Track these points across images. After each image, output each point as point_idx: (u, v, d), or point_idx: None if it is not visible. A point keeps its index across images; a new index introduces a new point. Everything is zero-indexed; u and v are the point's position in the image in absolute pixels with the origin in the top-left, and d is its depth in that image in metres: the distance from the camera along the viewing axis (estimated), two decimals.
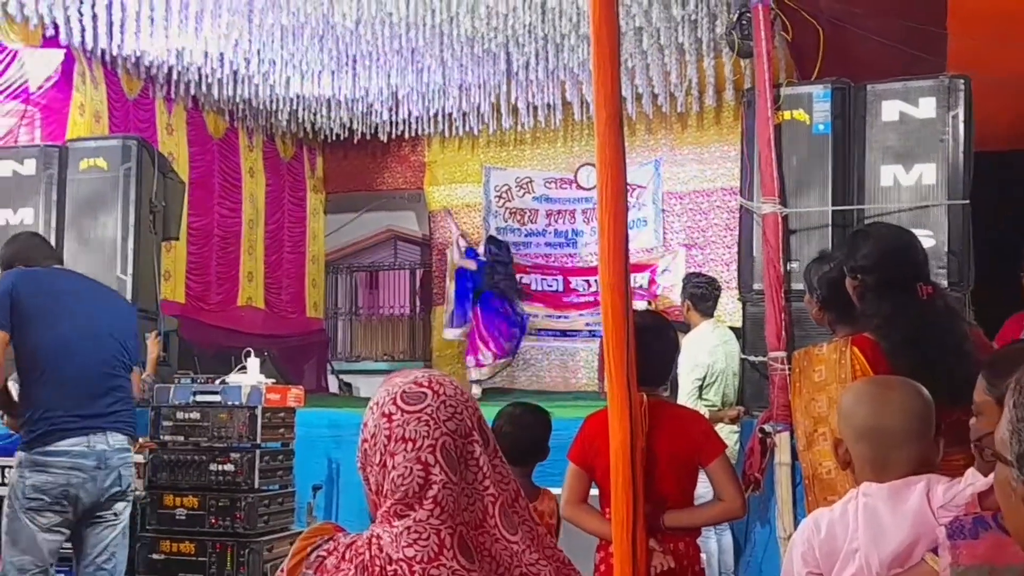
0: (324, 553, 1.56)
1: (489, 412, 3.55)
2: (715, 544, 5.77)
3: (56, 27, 7.79)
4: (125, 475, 4.07)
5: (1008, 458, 1.33)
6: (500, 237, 10.85)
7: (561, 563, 1.61)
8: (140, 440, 5.04)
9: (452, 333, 10.31)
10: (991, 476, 1.84)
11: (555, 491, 3.35)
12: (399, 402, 1.57)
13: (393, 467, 1.53)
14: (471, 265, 10.15)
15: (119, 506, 4.09)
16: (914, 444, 1.99)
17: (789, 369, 4.39)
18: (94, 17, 7.64)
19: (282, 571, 1.57)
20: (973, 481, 1.89)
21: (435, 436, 1.54)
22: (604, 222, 2.65)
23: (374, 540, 1.53)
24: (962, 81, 6.06)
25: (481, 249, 10.35)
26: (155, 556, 4.64)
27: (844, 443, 2.07)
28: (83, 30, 7.76)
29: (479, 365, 9.56)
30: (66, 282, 4.32)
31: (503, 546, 1.54)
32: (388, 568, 1.50)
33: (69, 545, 4.16)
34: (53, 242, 7.46)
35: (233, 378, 4.85)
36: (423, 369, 1.65)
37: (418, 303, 12.55)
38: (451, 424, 1.56)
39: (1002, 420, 1.35)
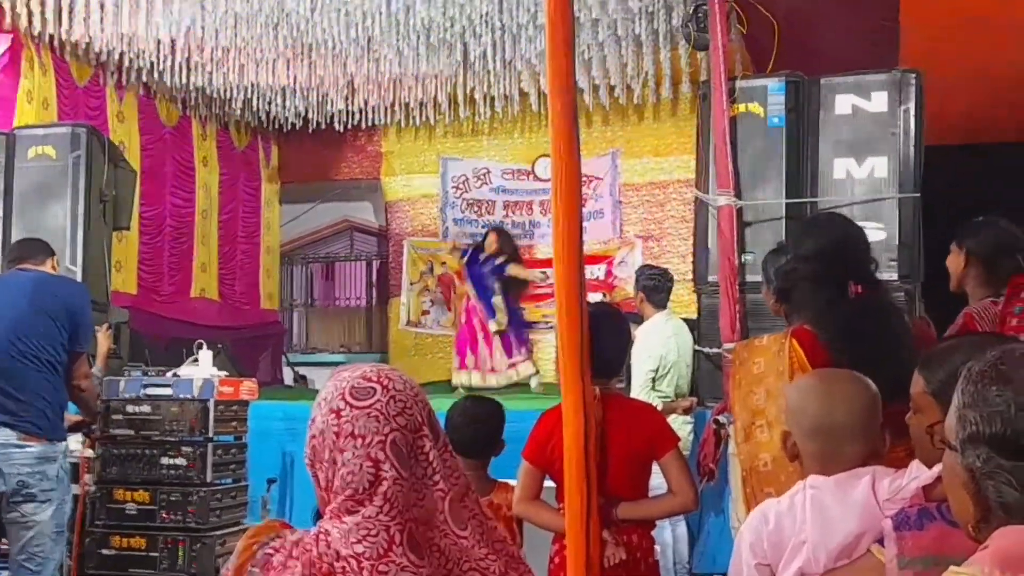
0: (271, 551, 1.55)
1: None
2: (670, 534, 5.80)
3: (2, 11, 7.63)
4: (13, 473, 3.87)
5: (953, 444, 1.35)
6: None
7: (511, 557, 1.60)
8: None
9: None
10: (935, 468, 1.86)
11: (513, 483, 3.35)
12: (348, 398, 1.55)
13: (343, 464, 1.52)
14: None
15: (25, 508, 3.91)
16: (863, 438, 2.01)
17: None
18: (42, 2, 7.50)
19: (228, 570, 1.55)
20: (918, 474, 1.92)
21: (385, 432, 1.53)
22: (559, 215, 2.64)
23: (322, 536, 1.52)
24: (913, 76, 6.13)
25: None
26: (105, 551, 4.57)
27: (792, 437, 2.09)
28: (31, 15, 7.61)
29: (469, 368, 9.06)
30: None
31: (452, 541, 1.53)
32: (336, 564, 1.49)
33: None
34: (0, 232, 7.38)
35: (185, 371, 4.78)
36: (371, 363, 1.64)
37: (375, 294, 12.48)
38: (401, 419, 1.54)
39: (950, 408, 1.37)
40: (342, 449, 1.52)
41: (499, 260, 9.09)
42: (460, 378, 9.06)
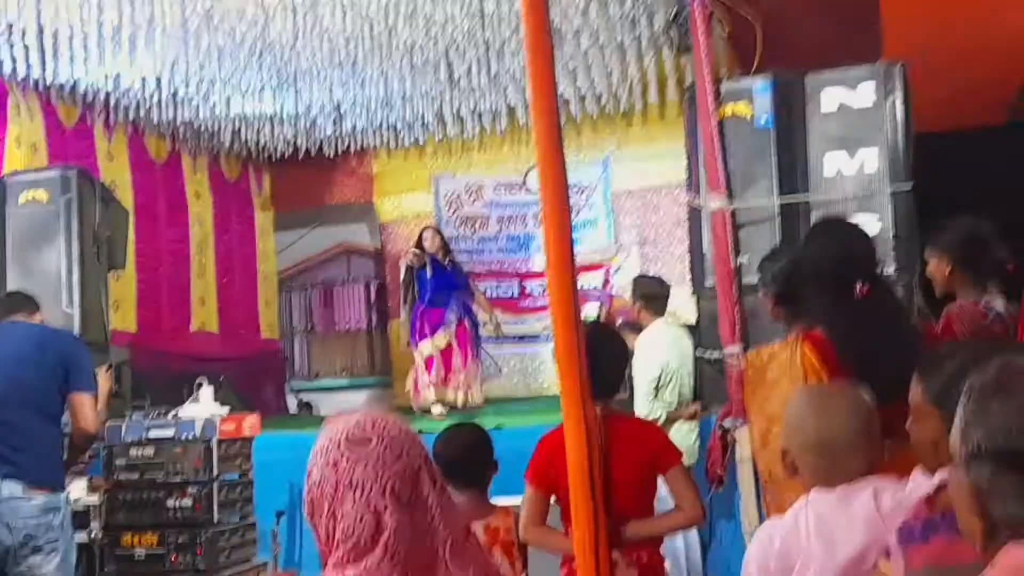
0: None
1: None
2: (681, 542, 5.78)
3: None
4: (17, 527, 3.84)
5: (958, 460, 1.34)
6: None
7: None
8: (93, 479, 4.94)
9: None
10: (936, 477, 1.85)
11: (511, 506, 3.33)
12: (343, 448, 1.53)
13: (343, 515, 1.50)
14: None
15: (33, 560, 3.87)
16: (861, 451, 2.00)
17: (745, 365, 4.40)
18: (25, 47, 7.49)
19: None
20: (919, 484, 1.90)
21: (384, 480, 1.52)
22: (549, 237, 2.64)
23: None
24: (899, 67, 6.12)
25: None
26: None
27: (791, 453, 2.08)
28: (14, 60, 7.61)
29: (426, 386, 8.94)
30: None
31: None
32: None
33: None
34: None
35: (186, 411, 4.76)
36: (364, 411, 1.62)
37: (374, 316, 12.45)
38: (398, 466, 1.53)
39: (953, 424, 1.36)
40: (342, 500, 1.51)
41: (447, 260, 9.18)
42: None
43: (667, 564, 3.29)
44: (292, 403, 12.00)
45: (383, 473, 1.51)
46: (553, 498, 3.13)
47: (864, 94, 6.24)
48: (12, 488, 3.83)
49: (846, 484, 1.95)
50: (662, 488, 3.17)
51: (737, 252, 6.38)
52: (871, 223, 6.18)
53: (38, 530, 3.85)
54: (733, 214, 6.37)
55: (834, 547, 1.91)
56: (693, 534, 6.01)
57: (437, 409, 8.70)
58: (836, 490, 1.96)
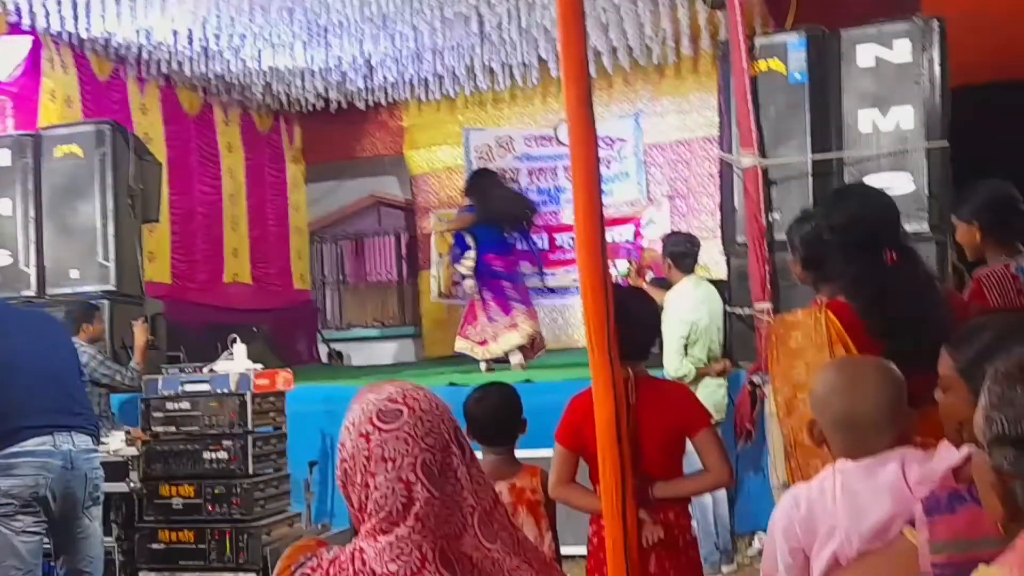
0: (308, 571, 1.58)
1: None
2: (709, 497, 5.83)
3: (19, 12, 7.68)
4: (91, 478, 4.00)
5: (982, 443, 1.36)
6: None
7: (543, 564, 1.63)
8: (131, 431, 5.06)
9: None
10: (963, 449, 1.86)
11: (538, 466, 3.38)
12: (376, 421, 1.57)
13: (375, 487, 1.54)
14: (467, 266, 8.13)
15: (94, 511, 4.04)
16: (888, 426, 2.01)
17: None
18: (58, 2, 7.53)
19: None
20: (946, 456, 1.92)
21: (415, 453, 1.55)
22: (579, 204, 2.65)
23: (357, 555, 1.55)
24: (936, 22, 6.02)
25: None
26: (155, 546, 4.67)
27: (817, 424, 2.10)
28: (48, 14, 7.66)
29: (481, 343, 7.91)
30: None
31: (483, 555, 1.56)
32: None
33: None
34: (33, 231, 7.48)
35: (220, 366, 4.84)
36: (396, 382, 1.65)
37: (405, 268, 12.53)
38: (429, 440, 1.56)
39: (978, 407, 1.37)
40: (374, 473, 1.54)
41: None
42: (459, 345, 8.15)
43: (694, 523, 3.33)
44: (323, 353, 12.14)
45: (414, 447, 1.55)
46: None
47: (900, 50, 6.14)
48: (85, 440, 3.97)
49: (872, 456, 1.97)
50: (691, 446, 3.21)
51: (769, 209, 6.35)
52: (905, 182, 6.13)
53: (99, 480, 4.04)
54: (765, 171, 6.33)
55: (860, 515, 1.94)
56: (721, 490, 6.06)
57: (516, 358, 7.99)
58: (864, 461, 1.98)
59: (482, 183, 8.30)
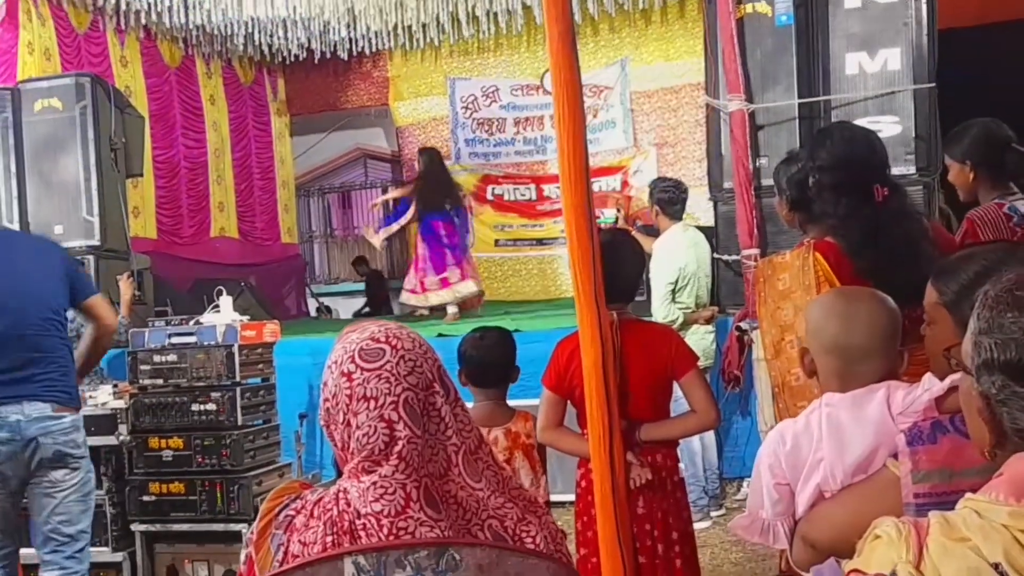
0: (292, 512, 1.57)
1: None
2: (698, 443, 5.86)
3: None
4: (47, 443, 3.74)
5: (969, 368, 1.35)
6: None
7: (528, 502, 1.62)
8: (119, 385, 5.04)
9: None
10: (947, 380, 1.86)
11: (530, 411, 3.38)
12: (358, 360, 1.55)
13: (357, 426, 1.53)
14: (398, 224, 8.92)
15: (55, 475, 3.77)
16: (880, 358, 2.01)
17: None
18: None
19: (252, 533, 1.58)
20: (930, 386, 1.91)
21: (397, 392, 1.54)
22: (563, 144, 2.62)
23: (341, 495, 1.54)
24: None
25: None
26: (146, 498, 4.67)
27: (810, 353, 2.09)
28: None
29: (413, 292, 8.58)
30: None
31: (468, 493, 1.55)
32: (357, 522, 1.51)
33: None
34: (15, 187, 7.40)
35: (207, 318, 4.82)
36: (378, 321, 1.64)
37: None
38: (412, 379, 1.55)
39: (966, 333, 1.36)
40: (356, 412, 1.53)
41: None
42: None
43: (682, 465, 3.34)
44: (312, 306, 12.13)
45: (396, 386, 1.53)
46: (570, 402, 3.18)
47: None
48: (41, 408, 3.74)
49: (861, 387, 1.97)
50: (679, 390, 3.21)
51: (756, 154, 6.33)
52: (892, 124, 6.11)
53: (67, 447, 3.81)
54: (752, 115, 6.30)
55: (844, 447, 1.94)
56: (709, 434, 6.09)
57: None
58: (850, 393, 1.98)
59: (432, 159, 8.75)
